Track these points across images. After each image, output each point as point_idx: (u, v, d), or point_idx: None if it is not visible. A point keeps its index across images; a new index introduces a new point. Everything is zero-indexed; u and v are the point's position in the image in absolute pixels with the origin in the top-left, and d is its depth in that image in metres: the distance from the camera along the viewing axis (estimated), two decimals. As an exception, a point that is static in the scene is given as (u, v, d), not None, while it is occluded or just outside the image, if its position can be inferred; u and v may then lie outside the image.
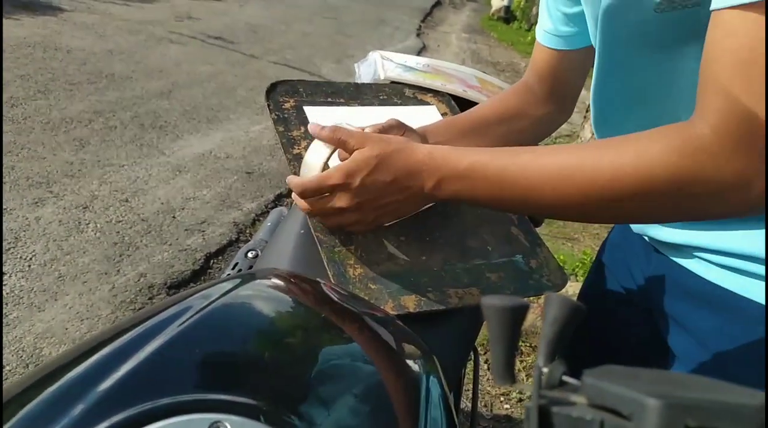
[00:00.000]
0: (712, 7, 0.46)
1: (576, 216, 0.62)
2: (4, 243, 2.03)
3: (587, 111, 4.35)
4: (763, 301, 0.61)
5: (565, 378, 0.23)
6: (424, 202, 0.66)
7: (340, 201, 0.63)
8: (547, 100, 0.86)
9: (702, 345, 0.68)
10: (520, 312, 0.23)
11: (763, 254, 0.61)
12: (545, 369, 0.23)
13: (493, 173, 0.58)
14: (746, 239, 0.62)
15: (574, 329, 0.25)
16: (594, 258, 0.95)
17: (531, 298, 0.69)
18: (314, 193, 0.64)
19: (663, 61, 0.61)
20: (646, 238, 0.77)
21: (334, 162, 0.70)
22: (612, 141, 0.54)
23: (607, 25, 0.64)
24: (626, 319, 0.84)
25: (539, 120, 0.86)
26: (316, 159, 0.66)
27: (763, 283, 0.62)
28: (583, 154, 0.54)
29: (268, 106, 0.83)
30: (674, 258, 0.71)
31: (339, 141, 0.64)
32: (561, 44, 0.80)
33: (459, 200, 0.63)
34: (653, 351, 0.78)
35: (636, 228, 0.77)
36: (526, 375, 1.96)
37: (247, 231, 2.45)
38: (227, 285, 0.46)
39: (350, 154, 0.63)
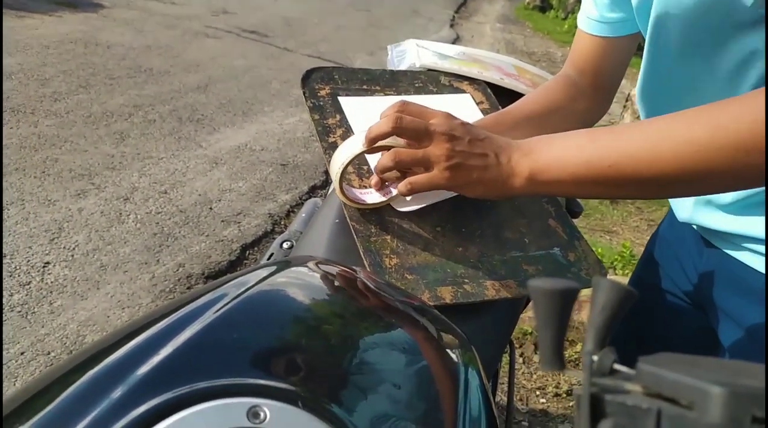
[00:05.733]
0: None
1: (667, 182, 0.55)
2: (49, 234, 2.09)
3: (627, 100, 4.25)
4: None
5: (617, 366, 0.22)
6: (498, 187, 0.60)
7: (438, 149, 0.59)
8: (588, 91, 0.83)
9: (753, 340, 0.66)
10: (570, 294, 0.21)
11: None
12: (595, 357, 0.22)
13: (586, 138, 0.57)
14: None
15: (624, 315, 0.24)
16: (643, 252, 0.93)
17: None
18: (415, 134, 0.60)
19: (716, 50, 0.59)
20: (695, 227, 0.75)
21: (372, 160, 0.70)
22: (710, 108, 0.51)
23: (664, 8, 0.61)
24: (676, 313, 0.82)
25: (582, 113, 0.84)
26: (345, 154, 0.64)
27: None
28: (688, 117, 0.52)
29: (304, 93, 0.83)
30: (727, 251, 0.69)
31: (404, 129, 0.60)
32: (606, 31, 0.78)
33: (543, 182, 0.58)
34: (704, 345, 0.76)
35: (686, 216, 0.74)
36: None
37: (282, 222, 2.47)
38: (263, 272, 0.46)
39: (422, 136, 0.60)
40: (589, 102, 0.84)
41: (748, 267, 0.65)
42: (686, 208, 0.74)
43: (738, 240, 0.66)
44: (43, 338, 1.68)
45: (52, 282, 1.89)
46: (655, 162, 0.52)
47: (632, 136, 0.54)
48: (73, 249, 2.05)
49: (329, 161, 0.74)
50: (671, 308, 0.83)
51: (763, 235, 0.63)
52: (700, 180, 0.52)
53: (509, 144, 0.60)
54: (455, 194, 0.70)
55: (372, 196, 0.70)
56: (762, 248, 0.64)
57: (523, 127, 0.78)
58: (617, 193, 0.59)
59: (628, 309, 0.24)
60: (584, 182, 0.56)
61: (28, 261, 1.95)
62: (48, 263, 1.96)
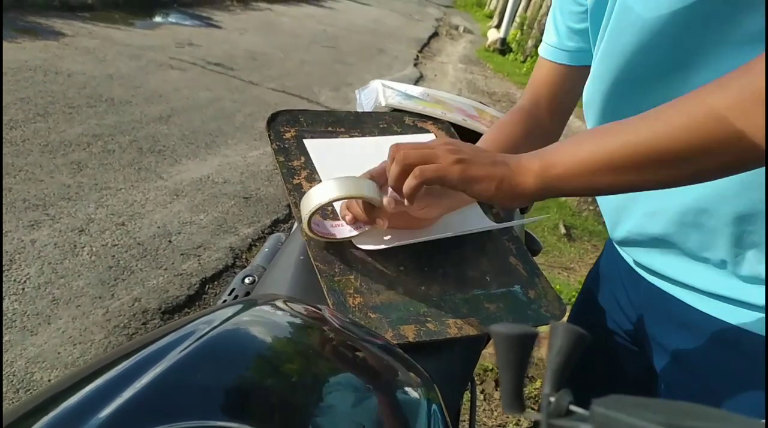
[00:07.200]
0: None
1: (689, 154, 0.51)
2: (-2, 266, 2.02)
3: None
4: (762, 332, 0.62)
5: (572, 407, 0.23)
6: (509, 185, 0.58)
7: (444, 147, 0.60)
8: (544, 120, 0.86)
9: (693, 376, 0.68)
10: (529, 339, 0.23)
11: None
12: (552, 398, 0.23)
13: (597, 129, 0.56)
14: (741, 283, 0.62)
15: (580, 356, 0.25)
16: (581, 289, 0.96)
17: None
18: (422, 159, 0.60)
19: (671, 77, 0.60)
20: (631, 263, 0.77)
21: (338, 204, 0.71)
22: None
23: (618, 25, 0.63)
24: (615, 349, 0.84)
25: (538, 138, 0.87)
26: (320, 196, 0.64)
27: (762, 314, 0.62)
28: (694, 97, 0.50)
29: (269, 135, 0.84)
30: (665, 289, 0.71)
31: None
32: (565, 59, 0.82)
33: (555, 177, 0.56)
34: (645, 381, 0.78)
35: (631, 229, 0.74)
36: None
37: (244, 256, 2.45)
38: (229, 311, 0.46)
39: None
40: (544, 130, 0.87)
41: (688, 306, 0.68)
42: (631, 220, 0.73)
43: (670, 270, 0.68)
44: (-13, 375, 1.61)
45: None
46: (669, 131, 0.50)
47: (643, 116, 0.53)
48: (24, 282, 1.98)
49: (294, 203, 0.74)
50: (610, 344, 0.85)
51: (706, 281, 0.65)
52: (716, 150, 0.48)
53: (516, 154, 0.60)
54: (420, 239, 0.71)
55: (342, 230, 0.71)
56: (696, 280, 0.66)
57: None
58: (635, 177, 0.53)
59: (582, 350, 0.25)
60: (598, 169, 0.54)
61: (-25, 294, 1.87)
62: (-4, 296, 1.89)
